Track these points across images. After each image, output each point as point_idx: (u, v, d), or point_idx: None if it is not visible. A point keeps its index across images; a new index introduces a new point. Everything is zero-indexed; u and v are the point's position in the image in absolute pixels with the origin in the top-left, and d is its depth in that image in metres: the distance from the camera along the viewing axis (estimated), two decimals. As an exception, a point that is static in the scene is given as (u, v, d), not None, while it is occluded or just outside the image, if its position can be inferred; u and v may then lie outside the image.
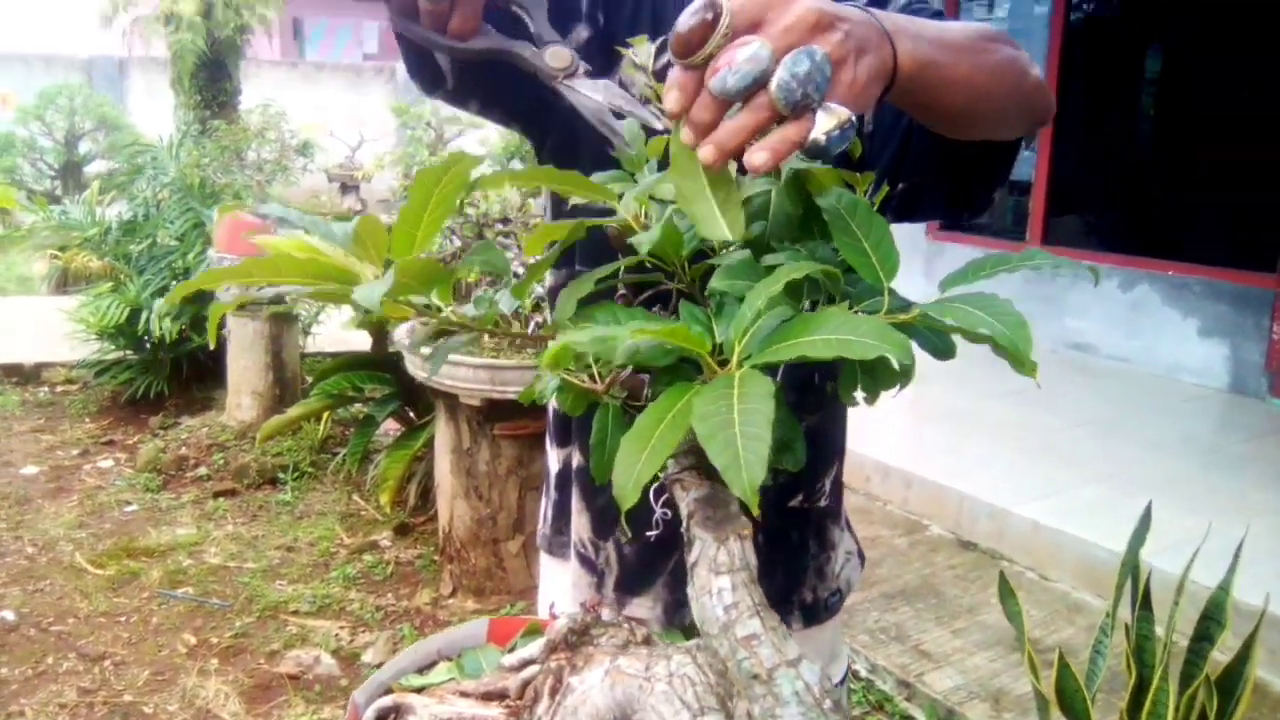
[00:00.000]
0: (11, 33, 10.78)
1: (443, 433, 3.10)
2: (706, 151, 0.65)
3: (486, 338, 2.91)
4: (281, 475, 4.06)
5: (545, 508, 1.36)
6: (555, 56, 0.83)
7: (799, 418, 0.91)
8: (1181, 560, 1.79)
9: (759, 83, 0.61)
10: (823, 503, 1.26)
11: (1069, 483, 3.78)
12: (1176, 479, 3.77)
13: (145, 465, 4.13)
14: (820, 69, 0.61)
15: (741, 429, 0.59)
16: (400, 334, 3.06)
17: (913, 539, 3.64)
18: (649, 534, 1.10)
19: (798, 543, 1.25)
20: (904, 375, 0.80)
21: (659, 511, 1.08)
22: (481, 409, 2.89)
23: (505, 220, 2.85)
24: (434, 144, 4.79)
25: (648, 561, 1.22)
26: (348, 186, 11.13)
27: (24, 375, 5.29)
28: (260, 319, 4.20)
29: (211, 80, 5.19)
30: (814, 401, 1.19)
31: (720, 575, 0.72)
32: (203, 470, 4.10)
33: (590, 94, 0.86)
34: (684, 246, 0.82)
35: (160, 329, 4.40)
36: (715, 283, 0.74)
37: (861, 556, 1.37)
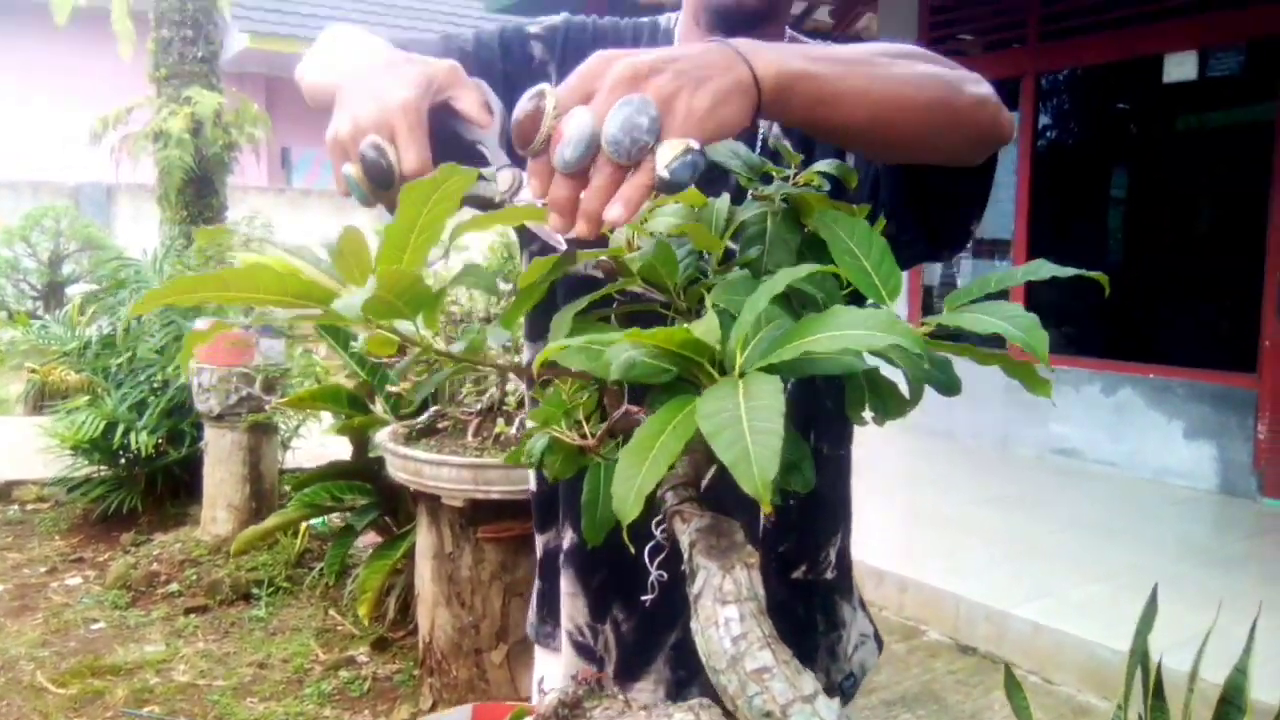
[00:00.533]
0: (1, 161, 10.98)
1: (424, 538, 3.01)
2: (580, 226, 0.66)
3: (470, 435, 2.86)
4: (256, 590, 3.93)
5: (532, 596, 1.31)
6: (501, 180, 0.84)
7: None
8: (1187, 658, 1.72)
9: (592, 146, 0.63)
10: (829, 575, 1.21)
11: (1066, 584, 3.69)
12: (1175, 579, 3.69)
13: (114, 582, 3.98)
14: (640, 111, 0.63)
15: (750, 424, 0.55)
16: (382, 436, 3.01)
17: (911, 644, 3.52)
18: (644, 598, 1.03)
19: (805, 618, 1.19)
20: (912, 398, 0.77)
21: (655, 573, 1.02)
22: (464, 511, 2.81)
23: (489, 319, 2.84)
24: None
25: (648, 635, 1.16)
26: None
27: (-6, 494, 5.17)
28: (239, 429, 4.13)
29: (198, 196, 5.25)
30: None
31: (727, 605, 0.67)
32: (174, 586, 3.95)
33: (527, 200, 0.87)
34: (678, 271, 0.79)
35: (136, 442, 4.32)
36: (714, 297, 0.71)
37: (879, 640, 1.31)
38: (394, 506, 3.69)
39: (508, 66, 1.08)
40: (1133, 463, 5.47)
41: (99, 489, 4.68)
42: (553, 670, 1.27)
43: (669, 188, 0.66)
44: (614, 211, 0.65)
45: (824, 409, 1.14)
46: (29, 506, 5.08)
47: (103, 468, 4.66)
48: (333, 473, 3.72)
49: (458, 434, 2.86)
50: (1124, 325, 6.36)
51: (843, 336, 0.59)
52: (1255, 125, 5.32)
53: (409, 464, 2.80)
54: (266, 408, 3.93)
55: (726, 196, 0.83)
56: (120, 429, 4.36)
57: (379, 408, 3.60)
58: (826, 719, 0.62)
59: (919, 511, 4.64)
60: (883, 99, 0.80)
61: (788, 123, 0.80)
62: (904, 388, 0.76)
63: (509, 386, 2.65)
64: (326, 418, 4.05)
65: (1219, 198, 6.12)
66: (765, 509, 0.51)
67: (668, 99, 0.65)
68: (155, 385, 4.46)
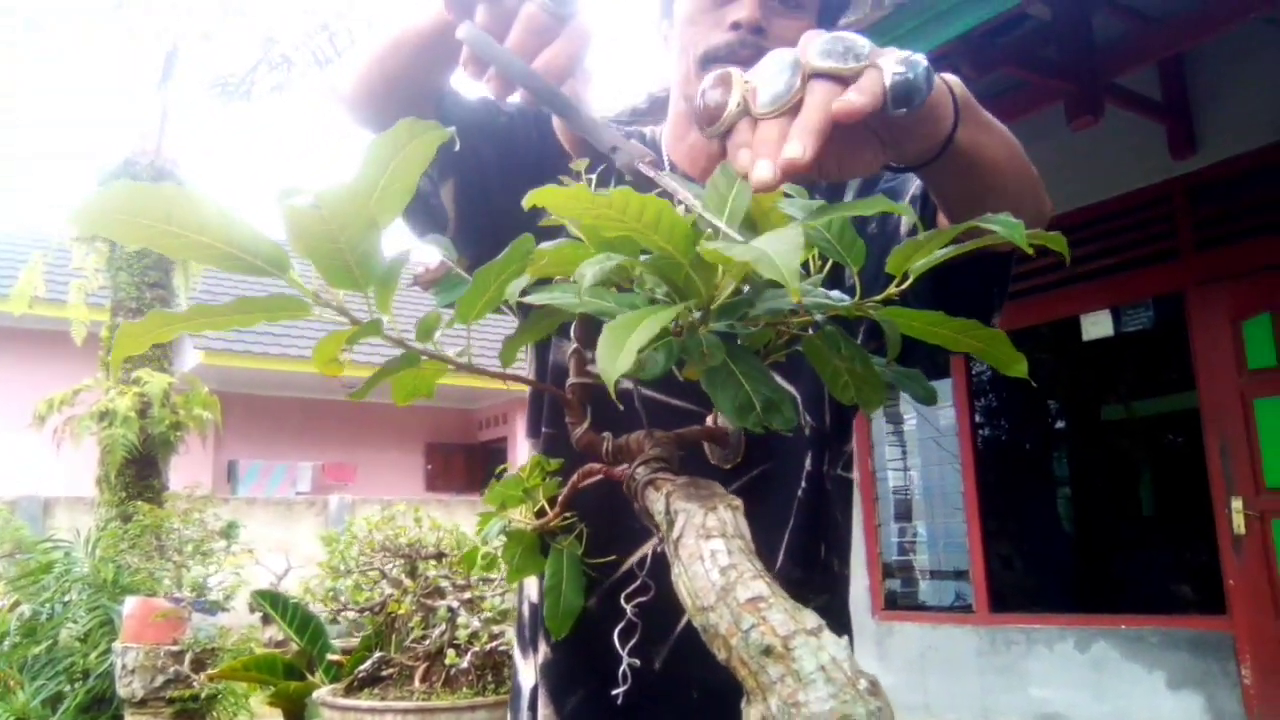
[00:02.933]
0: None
1: (363, 810, 2.69)
2: (803, 143, 0.61)
3: (418, 681, 2.65)
4: None
5: None
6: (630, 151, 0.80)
7: (806, 597, 0.79)
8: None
9: (798, 71, 0.62)
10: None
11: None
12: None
13: None
14: (845, 36, 0.64)
15: (766, 242, 0.52)
16: (321, 692, 2.77)
17: None
18: (614, 692, 0.91)
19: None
20: (890, 350, 0.74)
21: (626, 661, 0.91)
22: (410, 769, 2.54)
23: (440, 555, 2.71)
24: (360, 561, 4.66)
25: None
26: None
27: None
28: (162, 716, 3.77)
29: (139, 477, 5.12)
30: (821, 579, 1.07)
31: (712, 539, 0.60)
32: None
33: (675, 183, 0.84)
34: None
35: (46, 740, 3.91)
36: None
37: None
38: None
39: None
40: (1121, 722, 5.19)
41: (-7, 804, 4.16)
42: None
43: (907, 90, 0.64)
44: (856, 100, 0.62)
45: (834, 520, 1.09)
46: (-89, 832, 4.48)
47: (3, 776, 4.18)
48: (264, 754, 3.38)
49: (404, 680, 2.64)
50: (1088, 577, 6.29)
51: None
52: (1176, 374, 5.59)
53: (348, 716, 2.56)
54: (195, 684, 3.62)
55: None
56: (29, 727, 3.96)
57: (317, 677, 3.36)
58: (836, 655, 0.54)
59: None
60: (1015, 150, 0.83)
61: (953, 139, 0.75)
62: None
63: (460, 620, 2.49)
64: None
65: (1154, 442, 6.30)
66: (795, 296, 0.47)
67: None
68: (75, 675, 4.11)
